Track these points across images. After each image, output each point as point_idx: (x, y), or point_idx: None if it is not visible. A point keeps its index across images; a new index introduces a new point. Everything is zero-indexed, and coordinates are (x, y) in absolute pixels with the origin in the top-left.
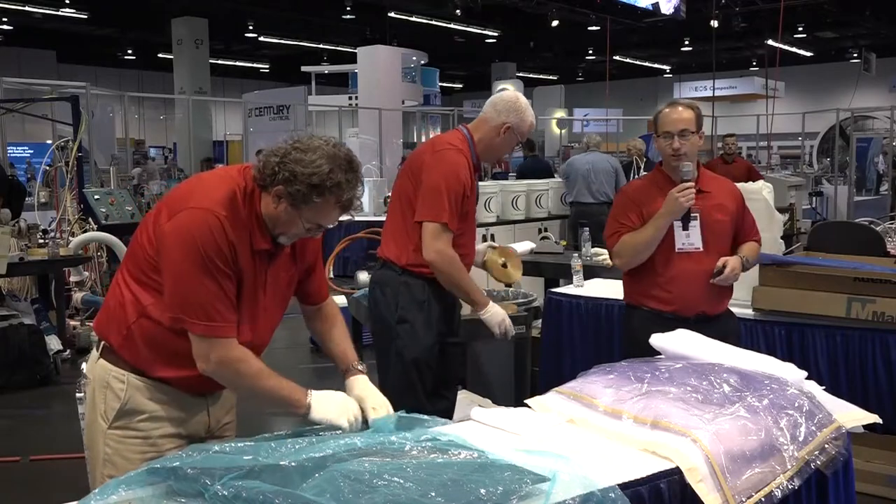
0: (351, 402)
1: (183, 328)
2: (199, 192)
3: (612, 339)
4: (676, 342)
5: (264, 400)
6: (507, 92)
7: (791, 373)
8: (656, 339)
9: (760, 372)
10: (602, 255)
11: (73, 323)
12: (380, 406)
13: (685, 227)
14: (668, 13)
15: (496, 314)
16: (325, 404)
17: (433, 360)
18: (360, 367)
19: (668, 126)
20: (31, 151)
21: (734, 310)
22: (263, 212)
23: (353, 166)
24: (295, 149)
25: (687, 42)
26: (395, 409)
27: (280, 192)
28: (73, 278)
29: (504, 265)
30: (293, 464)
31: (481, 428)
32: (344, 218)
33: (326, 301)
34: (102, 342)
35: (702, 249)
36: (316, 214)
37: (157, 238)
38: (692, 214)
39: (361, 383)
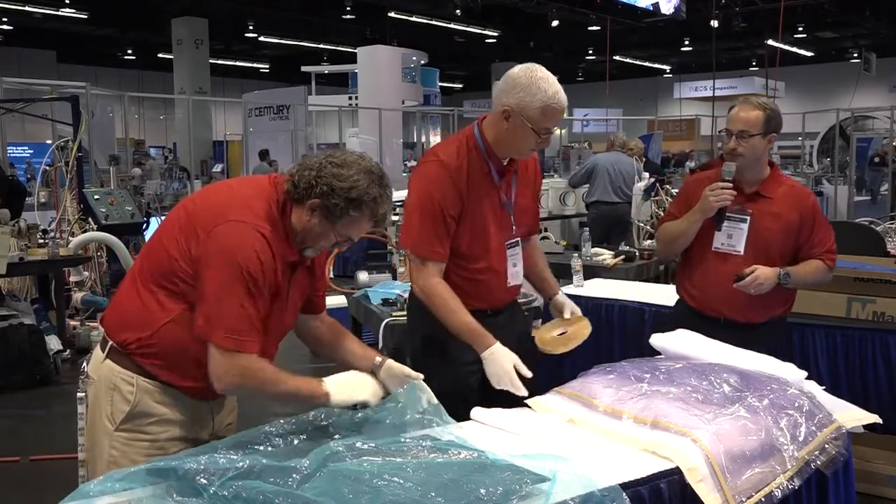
0: (364, 378)
1: (206, 339)
2: (237, 203)
3: (612, 339)
4: (676, 342)
5: (285, 402)
6: (517, 67)
7: (791, 373)
8: (656, 339)
9: (760, 372)
10: (602, 255)
11: (73, 323)
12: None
13: (717, 228)
14: (668, 13)
15: (495, 362)
16: (343, 387)
17: (471, 391)
18: (380, 359)
19: (729, 123)
20: (31, 151)
21: None
22: (295, 224)
23: (385, 181)
24: (330, 163)
25: (687, 42)
26: None
27: (315, 205)
28: (73, 278)
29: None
30: (293, 464)
31: (481, 428)
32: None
33: (324, 311)
34: (110, 343)
35: (741, 253)
36: (349, 228)
37: (193, 250)
38: (742, 216)
39: (395, 366)
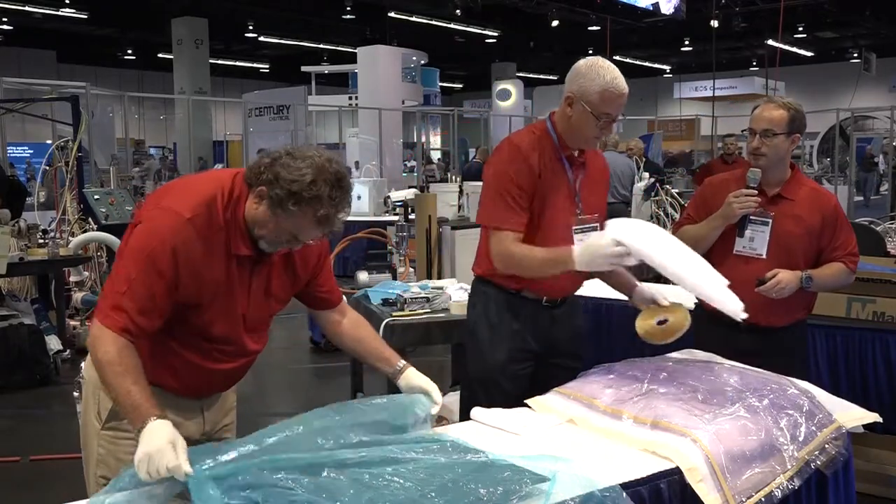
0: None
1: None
2: (176, 191)
3: (612, 339)
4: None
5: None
6: (582, 59)
7: None
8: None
9: (760, 372)
10: None
11: (73, 323)
12: (434, 393)
13: (740, 234)
14: (668, 13)
15: (586, 253)
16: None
17: (507, 380)
18: (401, 364)
19: (752, 123)
20: (31, 151)
21: None
22: (246, 212)
23: (342, 184)
24: (288, 154)
25: (687, 42)
26: None
27: (262, 192)
28: (73, 278)
29: (662, 321)
30: (293, 464)
31: (481, 428)
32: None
33: (342, 303)
34: None
35: (764, 257)
36: (292, 224)
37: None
38: (764, 219)
39: (415, 375)
